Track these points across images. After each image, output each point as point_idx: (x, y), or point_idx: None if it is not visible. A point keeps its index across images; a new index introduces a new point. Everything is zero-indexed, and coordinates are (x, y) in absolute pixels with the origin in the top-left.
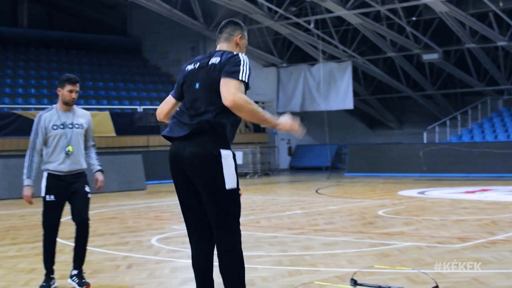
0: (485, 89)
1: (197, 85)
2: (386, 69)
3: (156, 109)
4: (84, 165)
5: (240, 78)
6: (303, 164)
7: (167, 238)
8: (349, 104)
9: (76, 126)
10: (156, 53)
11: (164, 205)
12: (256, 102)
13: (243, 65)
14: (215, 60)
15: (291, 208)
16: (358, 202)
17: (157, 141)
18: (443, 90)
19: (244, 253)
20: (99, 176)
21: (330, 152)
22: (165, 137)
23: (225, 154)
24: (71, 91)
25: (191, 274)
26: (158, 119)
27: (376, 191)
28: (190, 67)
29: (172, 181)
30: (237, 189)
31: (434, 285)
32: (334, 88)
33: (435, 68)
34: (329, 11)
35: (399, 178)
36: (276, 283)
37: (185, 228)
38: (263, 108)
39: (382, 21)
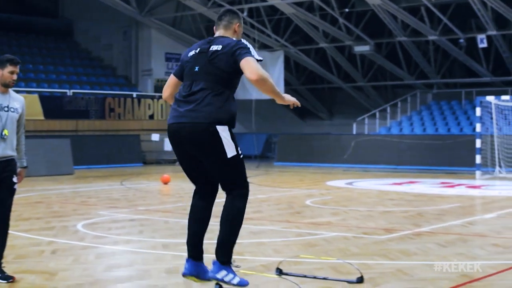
0: (415, 83)
1: (196, 68)
2: (318, 59)
3: (85, 93)
4: (15, 152)
5: (255, 57)
6: None
7: (93, 223)
8: None
9: (12, 109)
10: (87, 37)
11: (92, 190)
12: None
13: (250, 47)
14: (216, 47)
15: (219, 196)
16: (287, 191)
17: (86, 126)
18: (374, 82)
19: (170, 241)
20: (22, 173)
21: (260, 141)
22: (168, 125)
23: (221, 128)
24: (12, 72)
25: (116, 260)
26: (163, 98)
27: (304, 181)
28: (191, 52)
29: (99, 166)
30: (238, 154)
31: (359, 275)
32: None
33: (367, 60)
34: (262, 0)
35: (328, 169)
36: None
37: (112, 215)
38: None
39: (315, 12)
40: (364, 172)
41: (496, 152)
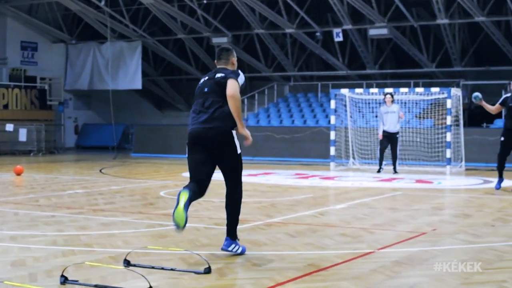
0: (272, 75)
1: (206, 89)
2: (176, 50)
3: None
4: None
5: (238, 80)
6: (90, 143)
7: None
8: (137, 84)
9: None
10: None
11: None
12: (43, 79)
13: (240, 75)
14: (220, 75)
15: (73, 187)
16: (141, 182)
17: None
18: None
19: (18, 233)
20: None
21: (118, 132)
22: (190, 131)
23: (233, 132)
24: None
25: None
26: None
27: (160, 172)
28: (202, 80)
29: None
30: (240, 157)
31: (207, 266)
32: (123, 68)
33: None
34: None
35: (184, 160)
36: (48, 263)
37: None
38: (49, 84)
39: (174, 3)
40: None
41: (350, 144)
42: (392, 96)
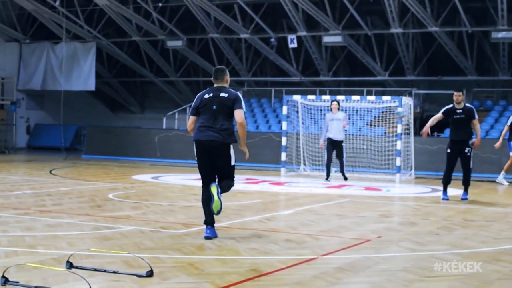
0: None
1: (214, 107)
2: (131, 52)
3: None
4: None
5: (243, 109)
6: (42, 144)
7: None
8: (91, 85)
9: None
10: None
11: None
12: None
13: (242, 101)
14: (224, 95)
15: (21, 188)
16: (91, 184)
17: None
18: (186, 77)
19: None
20: None
21: (70, 133)
22: (198, 140)
23: (231, 146)
24: None
25: None
26: (189, 131)
27: (110, 174)
28: (206, 96)
29: None
30: (234, 164)
31: (149, 269)
32: (77, 68)
33: (179, 55)
34: None
35: (136, 162)
36: None
37: None
38: (2, 84)
39: (129, 5)
40: (171, 166)
41: (301, 150)
42: (338, 103)
